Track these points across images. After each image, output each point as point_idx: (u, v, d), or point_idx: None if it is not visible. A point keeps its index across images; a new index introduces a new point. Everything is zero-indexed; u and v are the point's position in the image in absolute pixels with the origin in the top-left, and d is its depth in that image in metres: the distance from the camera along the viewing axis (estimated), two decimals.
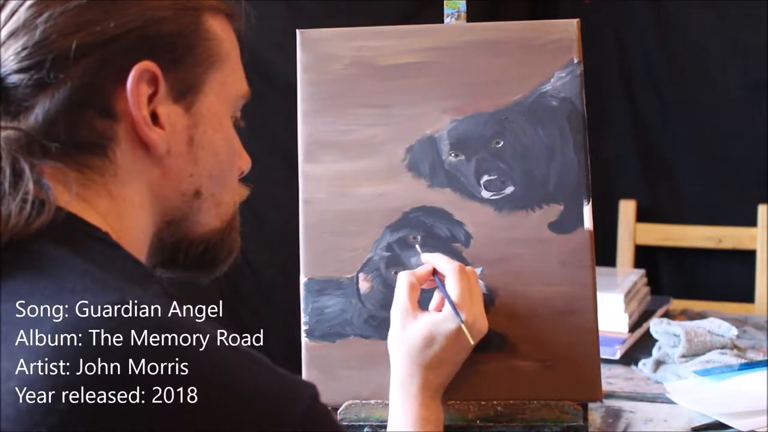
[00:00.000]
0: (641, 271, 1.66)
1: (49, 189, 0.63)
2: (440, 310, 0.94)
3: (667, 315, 1.57)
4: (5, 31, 0.64)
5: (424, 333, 0.91)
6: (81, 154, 0.66)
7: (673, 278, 2.16)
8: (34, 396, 0.53)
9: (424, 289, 0.97)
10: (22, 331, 0.56)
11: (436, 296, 0.98)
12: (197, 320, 0.60)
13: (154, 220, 0.71)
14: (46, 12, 0.64)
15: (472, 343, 0.92)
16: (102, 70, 0.65)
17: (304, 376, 1.03)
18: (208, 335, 0.59)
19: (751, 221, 2.02)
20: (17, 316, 0.57)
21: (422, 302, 0.96)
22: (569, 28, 1.05)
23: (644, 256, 2.13)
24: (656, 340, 1.36)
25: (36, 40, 0.64)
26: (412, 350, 0.92)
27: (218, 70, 0.72)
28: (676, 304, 1.72)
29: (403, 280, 0.95)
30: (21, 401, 0.53)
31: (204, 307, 0.65)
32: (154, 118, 0.68)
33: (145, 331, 0.56)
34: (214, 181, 0.73)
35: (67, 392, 0.53)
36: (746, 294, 2.01)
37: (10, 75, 0.64)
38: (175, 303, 0.61)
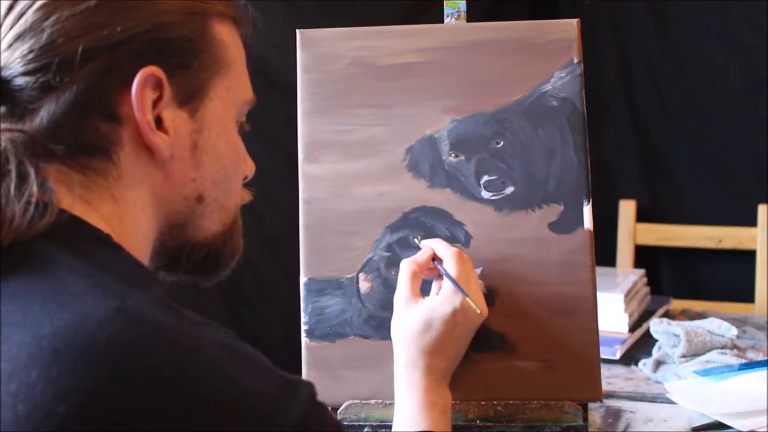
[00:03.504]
0: (641, 271, 1.66)
1: (52, 192, 0.63)
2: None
3: (667, 315, 1.57)
4: (12, 34, 0.64)
5: (422, 318, 0.92)
6: (85, 157, 0.66)
7: (673, 278, 2.16)
8: (34, 399, 0.53)
9: (426, 280, 0.98)
10: (22, 333, 0.56)
11: (434, 286, 0.98)
12: (197, 322, 0.60)
13: (157, 223, 0.71)
14: (53, 15, 0.64)
15: (478, 312, 0.92)
16: (108, 74, 0.65)
17: (304, 376, 1.03)
18: (207, 336, 0.59)
19: (751, 221, 2.02)
20: (18, 317, 0.57)
21: (425, 292, 0.96)
22: (569, 28, 1.05)
23: (644, 256, 2.13)
24: (656, 340, 1.36)
25: (43, 43, 0.64)
26: (413, 336, 0.93)
27: (224, 75, 0.72)
28: (676, 304, 1.72)
29: (405, 269, 0.96)
30: (20, 404, 0.53)
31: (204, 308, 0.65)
32: (159, 122, 0.68)
33: (145, 334, 0.56)
34: (218, 186, 0.73)
35: (66, 395, 0.53)
36: (746, 294, 2.01)
37: (16, 77, 0.64)
38: (175, 305, 0.61)
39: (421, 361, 0.92)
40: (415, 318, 0.93)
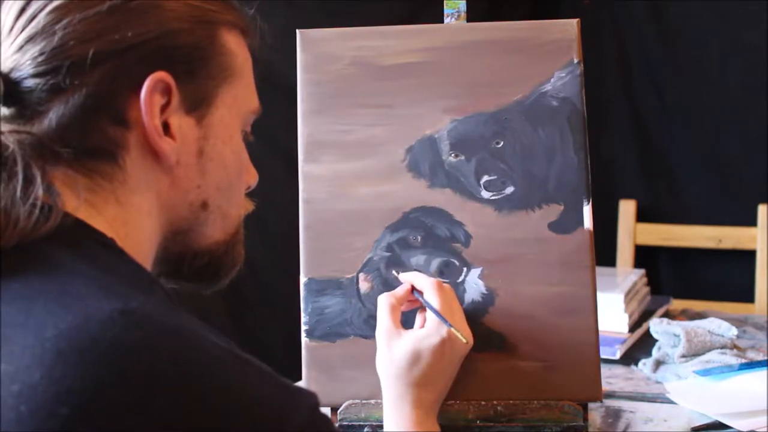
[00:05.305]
0: (641, 271, 1.66)
1: (57, 195, 0.63)
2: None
3: (667, 315, 1.57)
4: (24, 36, 0.64)
5: (410, 350, 0.92)
6: (91, 160, 0.66)
7: (673, 278, 2.17)
8: (37, 400, 0.53)
9: (405, 312, 0.98)
10: (25, 334, 0.56)
11: (419, 318, 0.98)
12: (199, 327, 0.60)
13: (161, 229, 0.71)
14: (65, 18, 0.64)
15: (464, 342, 0.92)
16: (117, 78, 0.65)
17: (304, 376, 1.03)
18: (209, 343, 0.59)
19: (751, 221, 2.02)
20: (21, 319, 0.57)
21: (406, 324, 0.96)
22: (569, 28, 1.05)
23: (644, 256, 2.13)
24: (656, 340, 1.36)
25: (54, 45, 0.64)
26: (401, 370, 0.92)
27: (231, 84, 0.72)
28: (676, 304, 1.72)
29: (384, 302, 0.96)
30: (23, 405, 0.53)
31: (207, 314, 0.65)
32: (166, 128, 0.68)
33: (148, 335, 0.56)
34: (222, 194, 0.74)
35: (69, 396, 0.53)
36: (746, 294, 2.01)
37: (26, 79, 0.64)
38: (178, 308, 0.61)
39: (409, 394, 0.92)
40: (402, 351, 0.92)
